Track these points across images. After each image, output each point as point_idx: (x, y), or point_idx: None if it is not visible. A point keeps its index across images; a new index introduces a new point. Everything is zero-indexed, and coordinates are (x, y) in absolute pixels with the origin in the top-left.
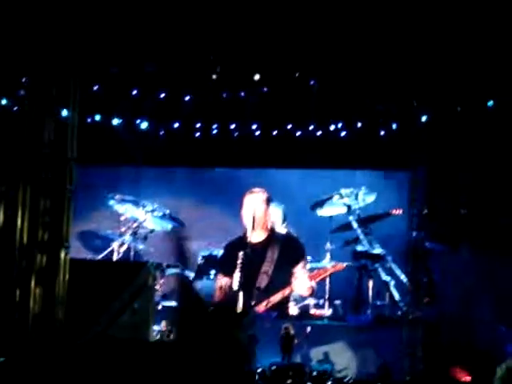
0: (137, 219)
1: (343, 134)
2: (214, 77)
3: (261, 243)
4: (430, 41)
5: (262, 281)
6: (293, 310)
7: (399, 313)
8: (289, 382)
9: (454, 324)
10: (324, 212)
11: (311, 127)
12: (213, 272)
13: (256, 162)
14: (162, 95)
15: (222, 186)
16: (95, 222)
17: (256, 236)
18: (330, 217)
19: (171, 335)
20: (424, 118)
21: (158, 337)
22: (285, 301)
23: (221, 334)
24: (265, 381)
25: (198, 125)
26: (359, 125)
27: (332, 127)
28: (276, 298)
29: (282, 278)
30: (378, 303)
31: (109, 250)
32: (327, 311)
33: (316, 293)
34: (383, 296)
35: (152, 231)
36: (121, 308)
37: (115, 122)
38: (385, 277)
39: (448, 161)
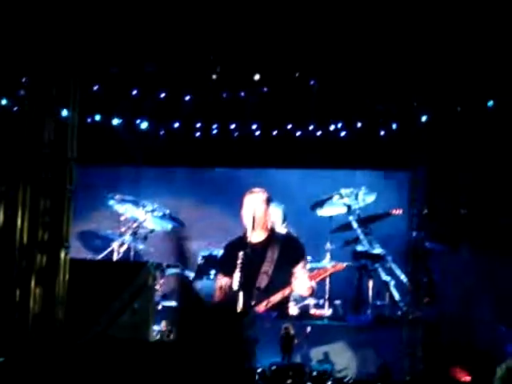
0: (137, 219)
1: (343, 133)
2: (214, 77)
3: (261, 243)
4: (429, 41)
5: (262, 281)
6: (293, 310)
7: (399, 313)
8: (289, 382)
9: (454, 324)
10: (324, 212)
11: (311, 127)
12: (213, 272)
13: (256, 162)
14: (162, 95)
15: (222, 186)
16: (95, 221)
17: (256, 236)
18: (330, 217)
19: (171, 335)
20: (424, 118)
21: (158, 337)
22: (285, 301)
23: (221, 334)
24: (265, 381)
25: (198, 125)
26: (359, 125)
27: (332, 127)
28: (276, 297)
29: (282, 277)
30: (378, 303)
31: (109, 250)
32: (327, 311)
33: (316, 293)
34: (383, 296)
35: (152, 231)
36: (121, 308)
37: (115, 122)
38: (385, 277)
39: (448, 161)
